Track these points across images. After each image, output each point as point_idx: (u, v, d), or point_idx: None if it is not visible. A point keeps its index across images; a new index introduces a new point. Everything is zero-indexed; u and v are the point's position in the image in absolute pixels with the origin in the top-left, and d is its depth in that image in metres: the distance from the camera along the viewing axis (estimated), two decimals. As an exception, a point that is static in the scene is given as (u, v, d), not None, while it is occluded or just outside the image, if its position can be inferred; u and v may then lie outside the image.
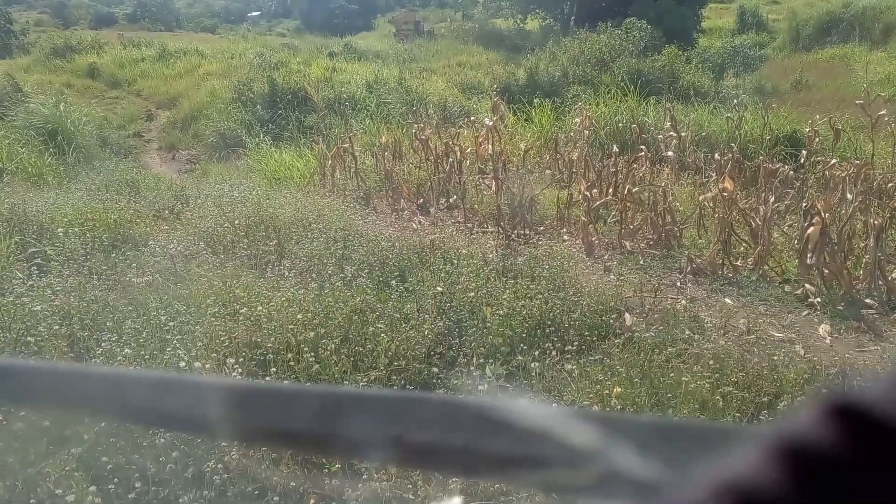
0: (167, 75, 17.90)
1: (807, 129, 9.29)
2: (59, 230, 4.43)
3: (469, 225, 6.75)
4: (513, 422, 0.35)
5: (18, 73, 15.49)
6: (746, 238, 6.00)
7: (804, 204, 5.48)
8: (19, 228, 4.58)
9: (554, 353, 3.34)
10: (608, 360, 3.35)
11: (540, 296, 3.80)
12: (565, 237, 6.41)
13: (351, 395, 0.43)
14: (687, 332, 3.73)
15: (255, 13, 49.28)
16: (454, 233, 6.14)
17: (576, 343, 3.49)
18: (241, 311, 3.27)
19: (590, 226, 6.01)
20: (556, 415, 0.34)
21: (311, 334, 3.17)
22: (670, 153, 7.05)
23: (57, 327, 3.03)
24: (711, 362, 3.23)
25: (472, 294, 3.81)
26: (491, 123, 6.78)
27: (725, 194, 5.93)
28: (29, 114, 10.08)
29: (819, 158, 8.38)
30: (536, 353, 3.28)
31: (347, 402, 0.41)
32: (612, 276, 4.98)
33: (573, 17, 25.66)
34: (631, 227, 6.20)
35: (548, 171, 8.68)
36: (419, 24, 28.09)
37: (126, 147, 12.04)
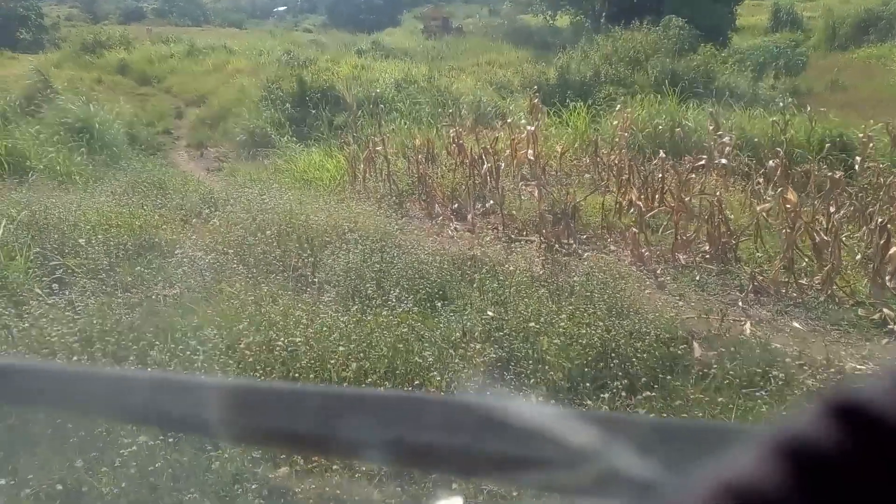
0: (196, 72, 17.78)
1: (860, 134, 8.83)
2: (80, 239, 4.18)
3: (507, 232, 6.42)
4: (513, 422, 0.34)
5: (49, 69, 15.45)
6: (809, 253, 5.59)
7: (879, 219, 5.04)
8: (39, 238, 4.34)
9: (621, 391, 3.00)
10: (682, 402, 3.00)
11: (600, 322, 3.46)
12: (611, 247, 6.06)
13: (351, 395, 0.44)
14: (763, 366, 3.36)
15: (280, 8, 49.18)
16: (492, 240, 5.82)
17: (643, 379, 3.15)
18: (277, 341, 2.98)
19: (640, 236, 5.65)
20: (555, 415, 0.34)
21: (354, 366, 2.87)
22: (724, 160, 6.63)
23: (76, 358, 2.76)
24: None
25: (525, 319, 3.48)
26: (533, 129, 6.40)
27: (788, 206, 5.53)
28: (59, 111, 9.94)
29: (871, 164, 7.95)
30: (603, 393, 2.94)
31: (348, 402, 0.40)
32: (669, 295, 4.62)
33: (604, 14, 25.14)
34: (684, 238, 5.82)
35: (587, 176, 8.32)
36: (447, 21, 27.74)
37: (155, 144, 11.89)
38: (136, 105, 14.62)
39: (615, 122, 9.34)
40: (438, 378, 2.91)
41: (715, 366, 3.29)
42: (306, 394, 0.44)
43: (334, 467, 2.13)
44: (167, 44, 21.64)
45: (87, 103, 10.30)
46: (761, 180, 7.28)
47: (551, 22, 26.56)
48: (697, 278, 5.10)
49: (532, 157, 6.54)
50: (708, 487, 0.25)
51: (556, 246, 5.83)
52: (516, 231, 6.45)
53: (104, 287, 3.66)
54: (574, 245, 5.95)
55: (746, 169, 8.13)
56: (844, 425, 0.24)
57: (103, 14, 40.62)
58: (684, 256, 5.58)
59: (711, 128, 8.24)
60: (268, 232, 4.55)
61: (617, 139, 8.67)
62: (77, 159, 8.22)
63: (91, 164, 8.30)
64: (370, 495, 2.28)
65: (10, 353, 2.81)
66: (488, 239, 5.81)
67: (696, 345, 3.53)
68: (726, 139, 7.09)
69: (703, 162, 6.47)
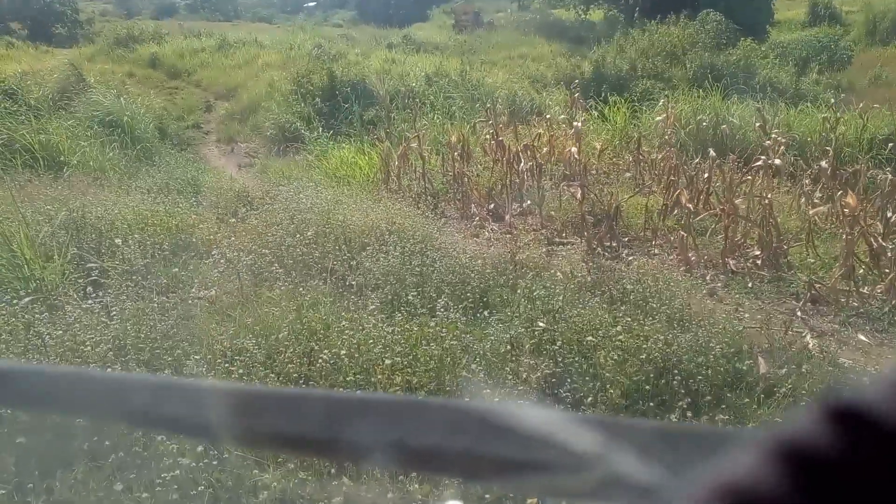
0: (226, 66, 17.79)
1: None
2: (117, 239, 4.08)
3: (547, 234, 6.21)
4: (515, 426, 0.35)
5: (82, 63, 15.56)
6: (865, 260, 5.29)
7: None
8: (77, 238, 4.25)
9: (686, 410, 2.79)
10: (755, 423, 2.79)
11: (659, 335, 3.24)
12: (656, 251, 5.82)
13: (354, 399, 0.43)
14: (833, 383, 3.12)
15: (310, 3, 49.29)
16: (531, 243, 5.62)
17: (707, 397, 2.94)
18: (320, 354, 2.82)
19: (689, 240, 5.40)
20: (557, 419, 0.34)
21: (399, 379, 2.70)
22: (777, 161, 6.34)
23: (110, 368, 2.64)
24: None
25: (579, 330, 3.28)
26: (579, 124, 6.17)
27: (847, 211, 5.24)
28: (91, 104, 9.95)
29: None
30: (669, 414, 2.73)
31: (350, 406, 0.40)
32: (724, 303, 4.38)
33: (638, 9, 24.64)
34: (733, 242, 5.55)
35: (627, 175, 8.06)
36: (478, 15, 27.48)
37: (185, 139, 11.87)
38: (165, 99, 14.64)
39: (657, 119, 9.04)
40: (490, 394, 2.73)
41: (787, 383, 3.06)
42: (310, 398, 0.43)
43: (389, 495, 1.97)
44: (198, 38, 21.71)
45: (118, 97, 10.31)
46: (807, 181, 6.97)
47: (584, 16, 26.13)
48: (750, 285, 4.85)
49: (577, 156, 6.31)
50: (709, 490, 0.25)
51: (599, 249, 5.61)
52: (556, 233, 6.24)
53: (140, 290, 3.55)
54: (617, 247, 5.73)
55: (792, 169, 7.81)
56: (844, 428, 0.24)
57: (137, 10, 41.13)
58: (734, 262, 5.32)
59: (758, 125, 7.91)
60: (308, 233, 4.41)
61: (660, 136, 8.36)
62: (110, 154, 8.19)
63: (124, 159, 8.27)
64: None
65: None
66: (528, 241, 5.62)
67: (761, 360, 3.30)
68: (781, 139, 6.76)
69: (760, 163, 6.17)
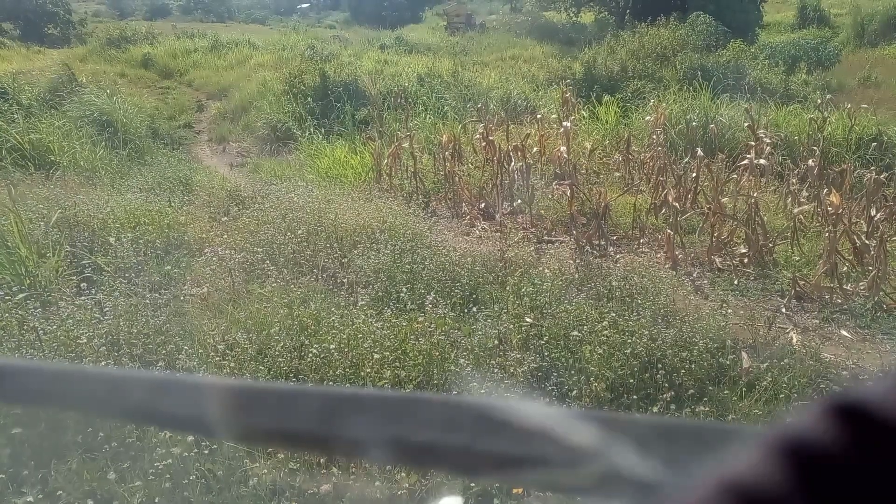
0: (218, 66, 17.78)
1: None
2: (110, 237, 4.11)
3: (537, 232, 6.26)
4: (513, 422, 0.35)
5: (75, 63, 15.54)
6: (849, 257, 5.37)
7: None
8: (69, 237, 4.28)
9: (670, 403, 2.85)
10: (734, 415, 2.85)
11: (644, 330, 3.30)
12: (644, 249, 5.88)
13: (351, 395, 0.43)
14: (815, 378, 3.19)
15: (304, 5, 49.26)
16: (521, 241, 5.68)
17: (690, 391, 3.00)
18: (311, 348, 2.86)
19: (676, 238, 5.47)
20: (556, 415, 0.34)
21: (388, 374, 2.75)
22: (763, 161, 6.42)
23: (103, 362, 2.68)
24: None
25: (565, 326, 3.34)
26: (569, 125, 6.23)
27: (830, 209, 5.32)
28: (83, 104, 9.95)
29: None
30: (652, 406, 2.79)
31: (348, 402, 0.41)
32: (710, 300, 4.45)
33: (628, 11, 24.76)
34: (719, 240, 5.62)
35: (617, 174, 8.13)
36: (471, 17, 27.55)
37: (177, 138, 11.86)
38: (157, 99, 14.63)
39: (648, 118, 9.11)
40: (477, 387, 2.78)
41: (769, 377, 3.13)
42: (307, 394, 0.43)
43: (376, 483, 2.02)
44: (191, 39, 21.68)
45: (110, 96, 10.31)
46: (795, 180, 7.06)
47: (575, 18, 26.25)
48: (736, 283, 4.92)
49: (566, 155, 6.37)
50: (709, 486, 0.24)
51: (588, 247, 5.67)
52: (546, 231, 6.29)
53: (132, 286, 3.58)
54: (605, 246, 5.79)
55: (780, 168, 7.90)
56: (845, 425, 0.24)
57: (130, 10, 41.04)
58: (720, 259, 5.39)
59: (747, 125, 8.00)
60: (298, 231, 4.45)
61: (650, 135, 8.43)
62: (101, 153, 8.19)
63: (116, 159, 8.28)
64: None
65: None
66: (517, 239, 5.68)
67: (744, 355, 3.37)
68: (767, 139, 6.84)
69: (746, 162, 6.25)
